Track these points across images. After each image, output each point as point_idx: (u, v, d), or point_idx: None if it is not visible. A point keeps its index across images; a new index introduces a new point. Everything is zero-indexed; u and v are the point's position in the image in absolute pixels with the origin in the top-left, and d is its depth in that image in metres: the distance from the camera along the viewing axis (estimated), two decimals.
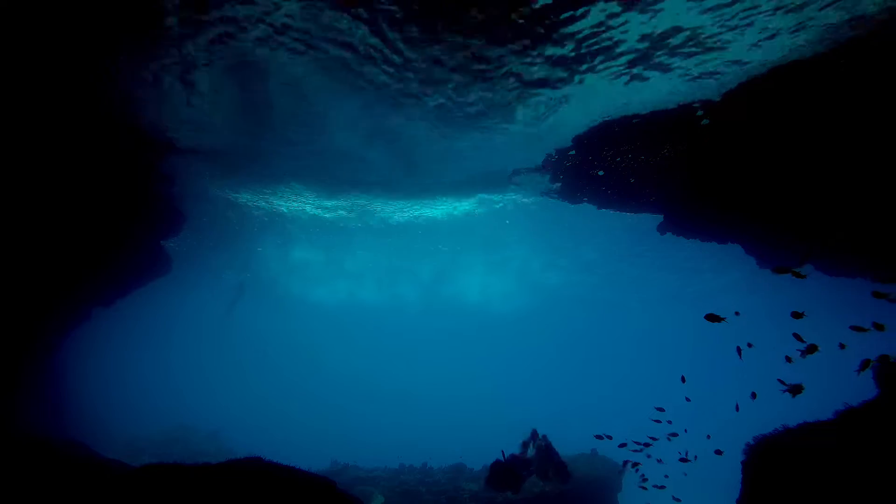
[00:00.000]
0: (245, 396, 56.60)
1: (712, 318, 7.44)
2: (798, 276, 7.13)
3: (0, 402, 11.92)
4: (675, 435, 10.40)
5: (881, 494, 6.61)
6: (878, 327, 7.00)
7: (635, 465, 11.10)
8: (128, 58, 8.92)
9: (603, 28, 8.00)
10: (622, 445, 11.60)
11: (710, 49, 8.56)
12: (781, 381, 8.05)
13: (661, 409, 10.58)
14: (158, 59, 9.04)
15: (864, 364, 7.40)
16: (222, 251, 27.33)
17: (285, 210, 21.30)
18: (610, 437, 11.49)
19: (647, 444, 10.93)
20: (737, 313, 8.13)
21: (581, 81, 9.64)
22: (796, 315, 7.29)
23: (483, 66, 9.13)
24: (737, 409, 9.61)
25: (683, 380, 9.06)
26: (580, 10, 7.53)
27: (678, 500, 12.27)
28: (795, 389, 7.16)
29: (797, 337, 7.54)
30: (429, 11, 7.65)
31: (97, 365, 31.91)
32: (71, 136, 10.31)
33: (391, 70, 9.37)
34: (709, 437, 10.72)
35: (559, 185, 15.45)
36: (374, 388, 69.24)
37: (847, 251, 11.18)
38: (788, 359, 7.96)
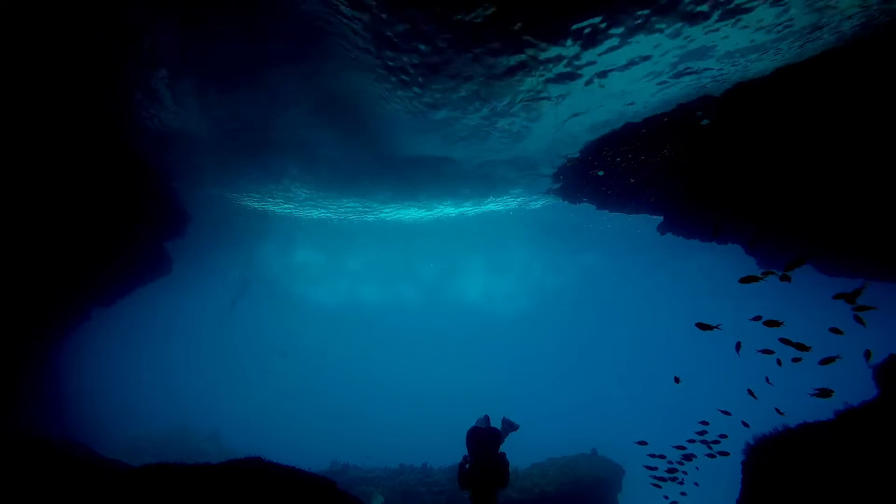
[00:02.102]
0: (245, 396, 56.57)
1: (703, 326, 7.30)
2: (785, 279, 7.07)
3: (0, 402, 11.92)
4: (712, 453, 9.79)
5: (882, 495, 6.61)
6: (859, 320, 6.92)
7: (671, 477, 10.43)
8: (126, 58, 8.93)
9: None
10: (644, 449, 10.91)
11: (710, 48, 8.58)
12: (768, 382, 8.02)
13: (705, 423, 9.77)
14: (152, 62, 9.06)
15: (868, 354, 7.35)
16: (223, 251, 27.35)
17: (287, 210, 21.32)
18: (658, 456, 10.65)
19: (683, 460, 10.30)
20: (758, 317, 7.80)
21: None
22: (772, 323, 7.21)
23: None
24: (746, 425, 9.13)
25: (677, 380, 8.76)
26: None
27: None
28: (824, 394, 7.09)
29: (786, 342, 7.41)
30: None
31: (97, 365, 31.89)
32: (72, 136, 10.31)
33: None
34: (726, 436, 10.31)
35: (560, 185, 15.46)
36: (374, 387, 69.22)
37: (847, 251, 11.18)
38: (779, 362, 7.85)
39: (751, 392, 8.22)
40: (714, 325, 7.32)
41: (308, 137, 12.52)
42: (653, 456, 10.65)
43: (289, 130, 12.10)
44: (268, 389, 61.02)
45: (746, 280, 7.14)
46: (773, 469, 7.59)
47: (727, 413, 8.46)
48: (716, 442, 9.47)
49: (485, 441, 7.87)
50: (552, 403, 63.49)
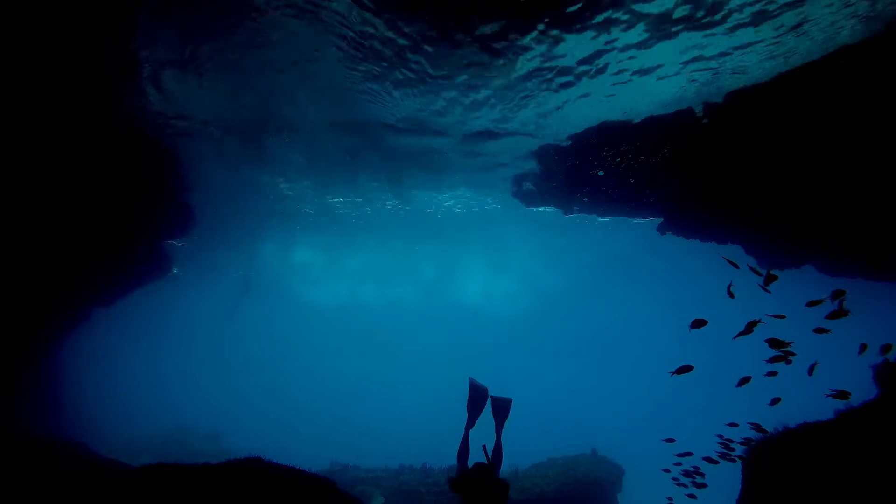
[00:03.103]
0: (244, 397, 56.55)
1: (699, 323, 7.24)
2: (768, 279, 7.06)
3: (0, 402, 11.90)
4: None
5: (882, 495, 6.61)
6: (844, 313, 6.90)
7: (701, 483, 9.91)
8: (126, 39, 8.80)
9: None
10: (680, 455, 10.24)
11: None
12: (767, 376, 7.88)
13: (734, 425, 9.31)
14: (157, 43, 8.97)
15: (863, 347, 7.33)
16: (224, 250, 27.33)
17: (287, 208, 21.30)
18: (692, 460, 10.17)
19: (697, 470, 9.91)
20: (781, 316, 7.46)
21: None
22: (751, 326, 7.16)
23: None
24: (764, 431, 8.77)
25: (684, 370, 8.32)
26: None
27: None
28: (842, 395, 7.09)
29: (774, 344, 7.28)
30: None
31: (97, 365, 31.86)
32: (72, 132, 10.28)
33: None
34: (752, 440, 9.90)
35: (555, 183, 15.36)
36: (373, 388, 69.23)
37: (847, 251, 11.19)
38: (773, 359, 7.71)
39: (742, 382, 8.05)
40: (692, 324, 7.31)
41: (299, 117, 12.26)
42: (681, 455, 10.15)
43: (282, 108, 11.82)
44: (267, 389, 60.99)
45: (730, 290, 7.23)
46: (773, 469, 7.59)
47: (757, 426, 8.12)
48: (744, 444, 9.17)
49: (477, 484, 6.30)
50: (552, 403, 63.45)
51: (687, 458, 10.08)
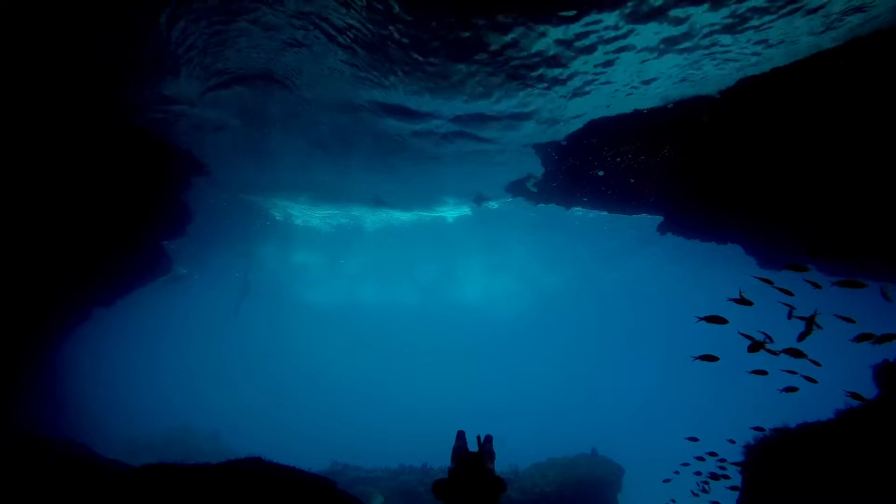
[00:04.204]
0: (245, 397, 56.59)
1: (712, 320, 7.07)
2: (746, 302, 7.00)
3: (0, 402, 11.91)
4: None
5: (881, 494, 6.61)
6: (848, 320, 6.89)
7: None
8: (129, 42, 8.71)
9: None
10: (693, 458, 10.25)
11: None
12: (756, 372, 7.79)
13: (760, 430, 8.72)
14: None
15: (861, 337, 7.28)
16: (223, 250, 27.34)
17: (287, 213, 21.30)
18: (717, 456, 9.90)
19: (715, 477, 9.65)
20: (813, 315, 7.20)
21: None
22: (715, 320, 7.08)
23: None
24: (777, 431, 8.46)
25: (707, 359, 7.83)
26: None
27: None
28: (856, 397, 7.10)
29: (761, 344, 7.17)
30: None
31: (97, 365, 31.87)
32: (75, 134, 10.25)
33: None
34: (732, 441, 9.72)
35: (556, 184, 15.38)
36: (373, 389, 69.28)
37: (848, 251, 11.18)
38: (780, 352, 7.56)
39: (759, 372, 7.90)
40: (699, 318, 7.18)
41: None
42: (700, 459, 9.98)
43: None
44: (268, 390, 61.04)
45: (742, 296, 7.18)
46: (773, 469, 7.59)
47: (777, 430, 8.01)
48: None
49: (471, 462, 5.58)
50: (552, 403, 63.44)
51: (693, 460, 10.02)
